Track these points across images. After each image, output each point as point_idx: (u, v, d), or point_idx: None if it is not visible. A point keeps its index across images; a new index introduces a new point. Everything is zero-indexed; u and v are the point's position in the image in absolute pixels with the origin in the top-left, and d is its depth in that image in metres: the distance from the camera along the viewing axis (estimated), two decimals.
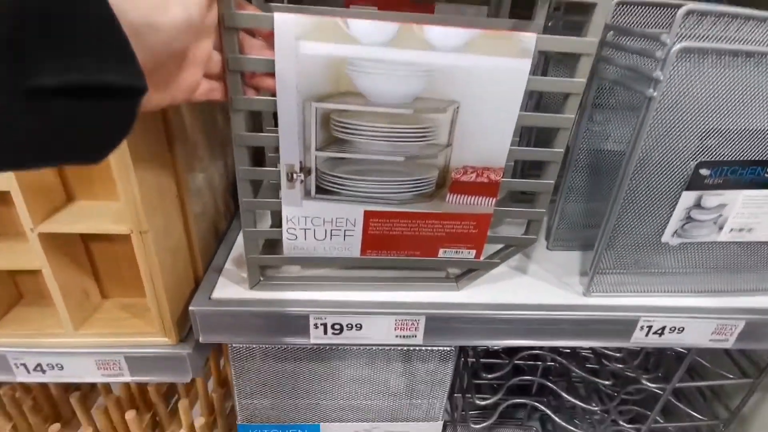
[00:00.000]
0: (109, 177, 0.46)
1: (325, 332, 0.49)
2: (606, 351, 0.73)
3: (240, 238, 0.59)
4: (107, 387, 0.68)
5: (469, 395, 0.75)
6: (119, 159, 0.38)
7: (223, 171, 0.64)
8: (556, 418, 0.74)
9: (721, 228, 0.49)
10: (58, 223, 0.42)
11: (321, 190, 0.43)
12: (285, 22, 0.34)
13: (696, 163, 0.44)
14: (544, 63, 0.62)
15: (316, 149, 0.40)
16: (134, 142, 0.38)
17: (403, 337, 0.51)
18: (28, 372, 0.49)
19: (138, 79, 0.23)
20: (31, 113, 0.20)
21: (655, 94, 0.40)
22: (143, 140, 0.40)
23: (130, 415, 0.61)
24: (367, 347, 0.56)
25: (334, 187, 0.43)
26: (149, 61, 0.26)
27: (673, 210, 0.47)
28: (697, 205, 0.47)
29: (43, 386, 0.68)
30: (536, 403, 0.77)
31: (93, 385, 0.77)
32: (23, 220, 0.41)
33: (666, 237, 0.49)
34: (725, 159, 0.45)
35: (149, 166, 0.42)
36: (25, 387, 0.67)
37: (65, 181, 0.46)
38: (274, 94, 0.39)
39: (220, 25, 0.35)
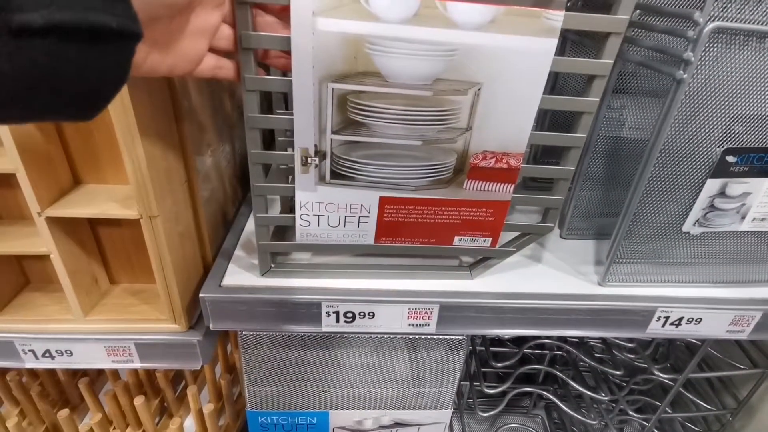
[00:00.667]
0: (116, 160, 0.45)
1: (337, 320, 0.48)
2: (617, 341, 0.73)
3: (248, 224, 0.58)
4: (115, 372, 0.68)
5: (477, 383, 0.75)
6: (128, 141, 0.37)
7: (231, 155, 0.62)
8: (564, 407, 0.74)
9: (743, 217, 0.47)
10: (67, 208, 0.41)
11: (336, 175, 0.41)
12: None
13: (722, 149, 0.43)
14: (562, 43, 0.60)
15: (332, 132, 0.39)
16: (143, 123, 0.37)
17: (416, 325, 0.50)
18: (37, 358, 0.48)
19: (132, 23, 0.21)
20: (17, 55, 0.18)
21: (685, 76, 0.39)
22: (152, 122, 0.39)
23: (138, 400, 0.61)
24: (378, 335, 0.55)
25: (349, 172, 0.41)
26: (144, 8, 0.24)
27: (696, 198, 0.46)
28: (721, 193, 0.45)
29: (50, 372, 0.68)
30: (543, 392, 0.76)
31: (100, 371, 0.77)
32: (30, 204, 0.40)
33: (687, 226, 0.48)
34: (751, 146, 0.43)
35: (158, 150, 0.40)
36: (32, 372, 0.67)
37: (72, 164, 0.44)
38: (285, 74, 0.37)
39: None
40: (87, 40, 0.20)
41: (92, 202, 0.42)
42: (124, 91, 0.35)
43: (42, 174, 0.40)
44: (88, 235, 0.48)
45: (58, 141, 0.42)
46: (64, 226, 0.43)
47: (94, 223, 0.48)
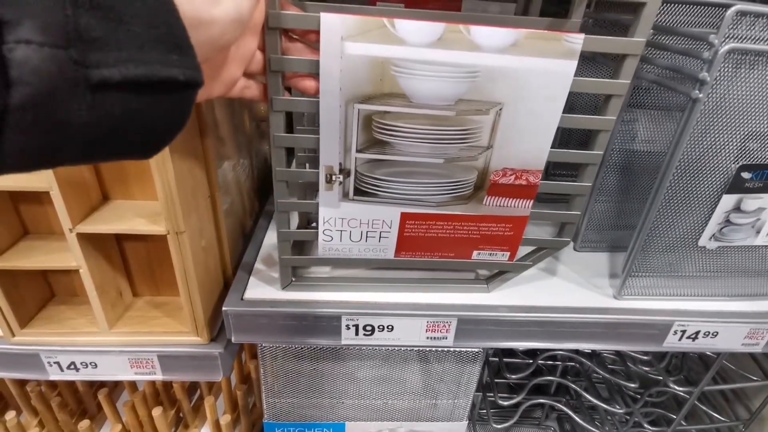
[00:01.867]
0: (143, 177, 0.46)
1: (357, 333, 0.49)
2: (632, 353, 0.73)
3: (267, 238, 0.59)
4: (132, 383, 0.68)
5: (491, 394, 0.75)
6: (159, 160, 0.38)
7: (249, 169, 0.64)
8: (577, 419, 0.74)
9: (758, 232, 0.48)
10: (97, 224, 0.42)
11: (359, 192, 0.42)
12: (331, 22, 0.34)
13: (738, 165, 0.43)
14: None
15: (357, 151, 0.40)
16: (174, 146, 0.38)
17: (434, 338, 0.50)
18: (62, 370, 0.49)
19: (196, 73, 0.22)
20: (95, 107, 0.19)
21: (700, 95, 0.39)
22: (181, 141, 0.40)
23: (157, 411, 0.61)
24: (396, 348, 0.56)
25: (372, 189, 0.42)
26: (200, 54, 0.25)
27: (712, 213, 0.46)
28: (737, 208, 0.46)
29: (69, 382, 0.69)
30: (556, 404, 0.76)
31: (117, 381, 0.77)
32: (62, 220, 0.41)
33: (703, 241, 0.48)
34: (766, 162, 0.44)
35: (186, 167, 0.41)
36: (51, 382, 0.68)
37: (101, 180, 0.46)
38: (309, 96, 0.38)
39: (263, 24, 0.34)
40: (158, 91, 0.21)
41: (121, 219, 0.43)
42: None
43: (74, 192, 0.41)
44: (115, 250, 0.49)
45: None
46: (93, 242, 0.44)
47: (120, 238, 0.49)
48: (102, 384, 0.71)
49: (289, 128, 0.54)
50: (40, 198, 0.46)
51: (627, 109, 0.53)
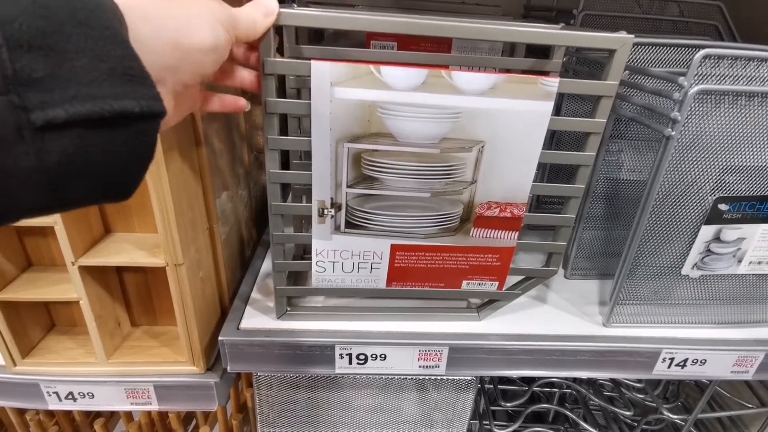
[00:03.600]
0: (144, 209, 0.48)
1: (350, 362, 0.50)
2: (626, 380, 0.73)
3: (264, 266, 0.61)
4: (128, 413, 0.69)
5: (486, 422, 0.75)
6: (158, 194, 0.40)
7: (247, 199, 0.66)
8: None
9: (740, 261, 0.49)
10: (98, 257, 0.44)
11: (350, 225, 0.44)
12: (321, 69, 0.37)
13: (714, 198, 0.45)
14: (559, 97, 0.64)
15: (347, 186, 0.42)
16: (174, 177, 0.40)
17: (426, 367, 0.51)
18: (60, 400, 0.50)
19: (155, 103, 0.21)
20: (45, 150, 0.18)
21: (673, 133, 0.42)
22: (181, 174, 0.42)
23: None
24: (389, 377, 0.57)
25: (362, 222, 0.44)
26: (177, 84, 0.26)
27: (693, 243, 0.48)
28: (717, 238, 0.48)
29: (67, 412, 0.69)
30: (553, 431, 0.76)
31: (114, 411, 0.78)
32: (65, 253, 0.42)
33: (686, 269, 0.50)
34: (743, 194, 0.46)
35: (185, 201, 0.43)
36: (49, 411, 0.68)
37: (104, 213, 0.47)
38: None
39: (259, 69, 0.37)
40: (112, 126, 0.20)
41: (122, 251, 0.45)
42: (158, 147, 0.38)
43: (77, 225, 0.43)
44: (115, 281, 0.50)
45: None
46: (94, 274, 0.46)
47: (120, 269, 0.51)
48: (99, 413, 0.71)
49: (285, 162, 0.56)
50: (44, 231, 0.48)
51: (611, 140, 0.55)
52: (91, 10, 0.19)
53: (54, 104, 0.17)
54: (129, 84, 0.20)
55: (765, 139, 0.43)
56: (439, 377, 0.56)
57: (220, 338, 0.48)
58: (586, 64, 0.58)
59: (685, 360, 0.51)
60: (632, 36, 0.38)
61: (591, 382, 0.79)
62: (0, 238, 0.45)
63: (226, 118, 0.54)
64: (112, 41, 0.20)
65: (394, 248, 0.46)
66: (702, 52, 0.40)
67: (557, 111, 0.66)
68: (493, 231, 0.46)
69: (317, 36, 0.72)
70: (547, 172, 0.70)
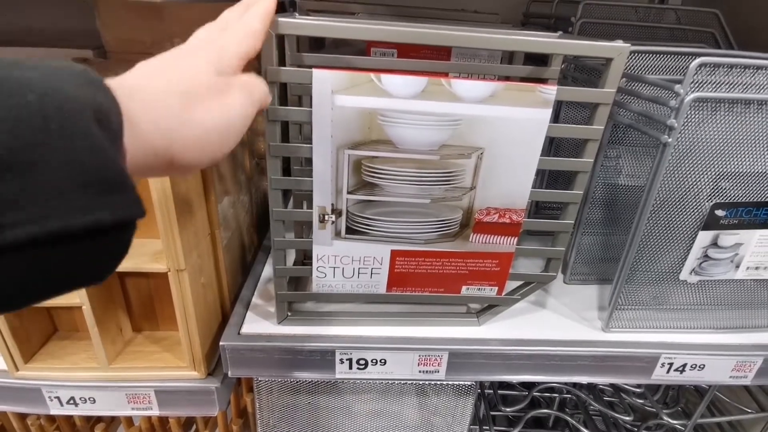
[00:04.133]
0: (148, 216, 0.48)
1: (351, 367, 0.50)
2: (626, 385, 0.73)
3: (265, 271, 0.61)
4: (129, 418, 0.69)
5: (487, 427, 0.75)
6: (161, 201, 0.40)
7: (249, 205, 0.66)
8: None
9: (737, 266, 0.50)
10: None
11: (350, 231, 0.45)
12: (323, 78, 0.37)
13: (712, 204, 0.46)
14: (558, 103, 0.65)
15: (348, 192, 0.42)
16: (176, 187, 0.41)
17: (426, 372, 0.51)
18: (62, 405, 0.50)
19: (132, 208, 0.20)
20: (8, 269, 0.17)
21: (669, 140, 0.42)
22: (183, 183, 0.43)
23: None
24: (389, 382, 0.57)
25: (363, 228, 0.44)
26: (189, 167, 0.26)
27: (690, 248, 0.48)
28: (714, 244, 0.48)
29: (67, 417, 0.69)
30: None
31: (114, 416, 0.78)
32: None
33: (684, 275, 0.50)
34: (740, 200, 0.46)
35: (187, 208, 0.44)
36: (50, 416, 0.68)
37: None
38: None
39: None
40: (81, 238, 0.18)
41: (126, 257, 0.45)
42: None
43: None
44: (117, 286, 0.51)
45: None
46: None
47: (122, 275, 0.51)
48: (99, 419, 0.71)
49: (287, 168, 0.57)
50: None
51: (610, 146, 0.56)
52: (66, 118, 0.18)
53: (17, 225, 0.16)
54: (107, 194, 0.19)
55: (761, 145, 0.44)
56: (438, 382, 0.56)
57: (221, 343, 0.48)
58: (585, 71, 0.59)
59: (684, 365, 0.51)
60: (628, 45, 0.38)
61: (591, 387, 0.80)
62: None
63: None
64: (95, 150, 0.19)
65: (394, 254, 0.46)
66: (697, 60, 0.40)
67: (556, 117, 0.66)
68: (492, 237, 0.46)
69: (318, 43, 0.73)
70: (546, 177, 0.70)
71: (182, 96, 0.26)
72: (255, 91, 0.31)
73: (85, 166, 0.18)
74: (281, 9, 0.37)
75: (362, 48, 0.68)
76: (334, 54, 0.49)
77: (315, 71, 0.37)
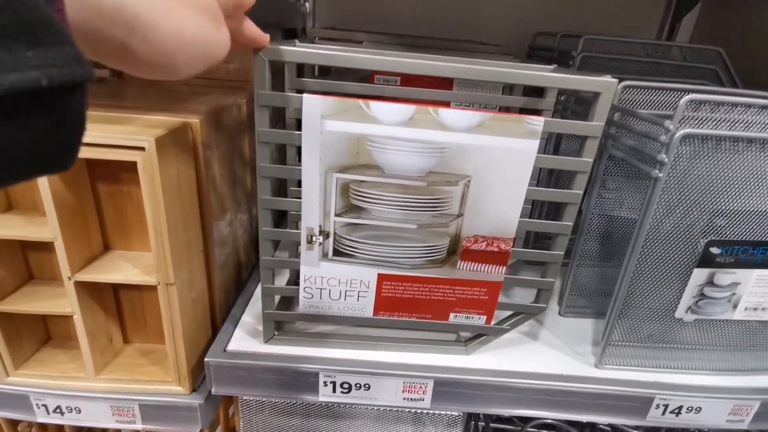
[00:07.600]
0: (143, 228, 0.49)
1: (334, 390, 0.50)
2: (624, 426, 0.71)
3: (257, 290, 0.62)
4: (117, 430, 0.69)
5: None
6: (154, 216, 0.42)
7: (247, 223, 0.67)
8: None
9: (735, 306, 0.48)
10: (94, 273, 0.45)
11: (338, 253, 0.45)
12: (313, 103, 0.38)
13: (706, 241, 0.45)
14: (557, 135, 0.65)
15: (335, 215, 0.43)
16: (169, 199, 0.42)
17: (411, 399, 0.51)
18: (48, 413, 0.51)
19: (75, 67, 0.16)
20: None
21: (660, 174, 0.42)
22: (177, 197, 0.44)
23: None
24: (376, 408, 0.56)
25: (350, 251, 0.45)
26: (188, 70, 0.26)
27: (686, 286, 0.47)
28: (710, 282, 0.47)
29: (58, 425, 0.69)
30: None
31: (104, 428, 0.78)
32: (62, 268, 0.44)
33: (680, 313, 0.49)
34: (735, 238, 0.45)
35: (180, 223, 0.45)
36: (42, 424, 0.69)
37: (104, 231, 0.49)
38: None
39: (254, 100, 0.39)
40: (25, 104, 0.15)
41: (118, 269, 0.47)
42: (155, 170, 0.40)
43: (77, 242, 0.45)
44: (110, 298, 0.52)
45: (95, 213, 0.48)
46: (89, 290, 0.47)
47: (115, 286, 0.52)
48: (90, 429, 0.71)
49: (283, 189, 0.58)
50: (47, 246, 0.50)
51: (606, 177, 0.55)
52: None
53: None
54: (31, 47, 0.15)
55: (753, 182, 0.43)
56: (424, 411, 0.55)
57: (205, 359, 0.48)
58: (582, 103, 0.59)
59: (680, 407, 0.50)
60: (615, 80, 0.39)
61: (589, 424, 0.77)
62: (3, 251, 0.47)
63: (229, 144, 0.56)
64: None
65: (381, 278, 0.46)
66: (687, 97, 0.41)
67: (556, 148, 0.67)
68: (480, 265, 0.46)
69: (324, 70, 0.75)
70: (545, 207, 0.70)
71: None
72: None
73: (14, 20, 0.14)
74: (293, 36, 0.39)
75: (367, 75, 0.70)
76: (339, 80, 0.50)
77: (305, 96, 0.38)
